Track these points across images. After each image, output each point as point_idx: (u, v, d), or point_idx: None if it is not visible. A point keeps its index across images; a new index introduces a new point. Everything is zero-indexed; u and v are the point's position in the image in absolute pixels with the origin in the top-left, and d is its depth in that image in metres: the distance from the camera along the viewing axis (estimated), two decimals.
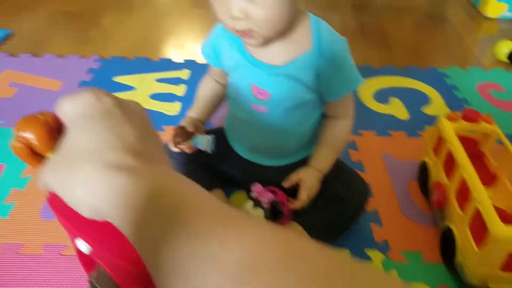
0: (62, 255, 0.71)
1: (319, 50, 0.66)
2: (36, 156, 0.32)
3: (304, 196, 0.71)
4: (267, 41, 0.64)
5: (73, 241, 0.31)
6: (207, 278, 0.20)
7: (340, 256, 0.22)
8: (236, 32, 0.62)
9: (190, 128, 0.72)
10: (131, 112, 0.29)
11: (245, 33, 0.61)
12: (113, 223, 0.25)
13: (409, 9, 1.85)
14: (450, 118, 0.77)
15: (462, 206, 0.68)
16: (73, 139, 0.27)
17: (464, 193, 0.68)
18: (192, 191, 0.26)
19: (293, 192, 0.75)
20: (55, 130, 0.31)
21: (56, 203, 0.29)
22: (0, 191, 0.83)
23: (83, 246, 0.29)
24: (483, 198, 0.62)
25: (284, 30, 0.63)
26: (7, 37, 1.43)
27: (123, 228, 0.25)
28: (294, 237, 0.23)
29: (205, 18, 1.62)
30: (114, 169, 0.25)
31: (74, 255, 0.34)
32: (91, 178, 0.25)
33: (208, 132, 0.78)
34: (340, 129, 0.75)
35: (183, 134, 0.70)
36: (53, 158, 0.28)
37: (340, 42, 0.68)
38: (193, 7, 1.73)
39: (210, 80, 0.83)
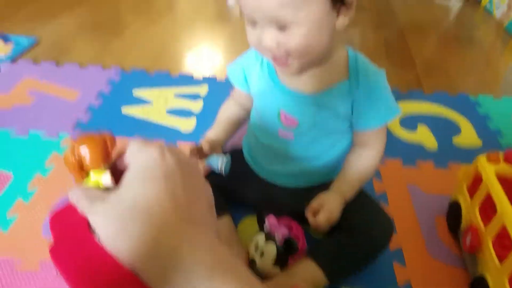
0: (58, 275, 0.67)
1: (356, 80, 0.64)
2: (82, 171, 0.34)
3: (323, 218, 0.66)
4: (303, 70, 0.62)
5: None
6: None
7: None
8: (273, 60, 0.60)
9: (206, 148, 0.70)
10: (189, 172, 0.31)
11: (282, 62, 0.59)
12: (135, 271, 0.27)
13: (433, 27, 1.80)
14: (490, 159, 0.70)
15: (500, 256, 0.60)
16: (130, 193, 0.29)
17: (502, 241, 0.61)
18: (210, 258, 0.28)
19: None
20: (108, 154, 0.34)
21: (59, 257, 0.30)
22: (5, 202, 0.80)
23: None
24: None
25: (319, 60, 0.61)
26: (32, 44, 1.43)
27: (144, 277, 0.27)
28: None
29: (227, 32, 1.60)
30: (161, 236, 0.27)
31: None
32: (137, 238, 0.27)
33: (225, 153, 0.75)
34: (367, 160, 0.71)
35: (198, 154, 0.69)
36: (107, 205, 0.29)
37: (378, 74, 0.65)
38: (216, 20, 1.72)
39: (233, 103, 0.81)
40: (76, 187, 0.31)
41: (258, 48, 0.60)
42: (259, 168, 0.78)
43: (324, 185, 0.73)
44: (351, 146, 0.73)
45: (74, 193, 0.31)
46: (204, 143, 0.71)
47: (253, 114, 0.76)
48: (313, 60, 0.60)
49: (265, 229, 0.65)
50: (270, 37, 0.56)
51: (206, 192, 0.33)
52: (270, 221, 0.64)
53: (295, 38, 0.55)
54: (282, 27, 0.55)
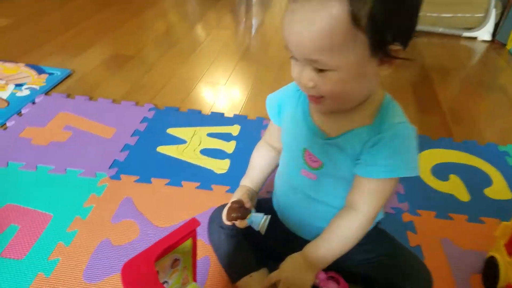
0: None
1: (378, 128, 0.61)
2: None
3: None
4: (335, 111, 0.63)
5: None
6: None
7: None
8: (308, 96, 0.61)
9: (247, 204, 0.71)
10: None
11: (317, 100, 0.59)
12: None
13: (458, 69, 1.83)
14: None
15: None
16: None
17: None
18: None
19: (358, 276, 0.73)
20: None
21: None
22: (46, 244, 0.81)
23: None
24: None
25: (353, 105, 0.61)
26: (66, 77, 1.48)
27: None
28: None
29: (251, 71, 1.64)
30: None
31: None
32: None
33: (258, 204, 0.76)
34: (349, 222, 0.65)
35: (240, 211, 0.69)
36: None
37: (405, 128, 0.62)
38: (241, 59, 1.76)
39: (265, 146, 0.81)
40: None
41: (298, 82, 0.60)
42: (286, 220, 0.78)
43: None
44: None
45: None
46: (245, 199, 0.71)
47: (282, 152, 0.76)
48: (347, 104, 0.60)
49: (314, 283, 0.66)
50: (308, 76, 0.56)
51: None
52: (320, 276, 0.65)
53: (331, 82, 0.55)
54: (319, 69, 0.55)
